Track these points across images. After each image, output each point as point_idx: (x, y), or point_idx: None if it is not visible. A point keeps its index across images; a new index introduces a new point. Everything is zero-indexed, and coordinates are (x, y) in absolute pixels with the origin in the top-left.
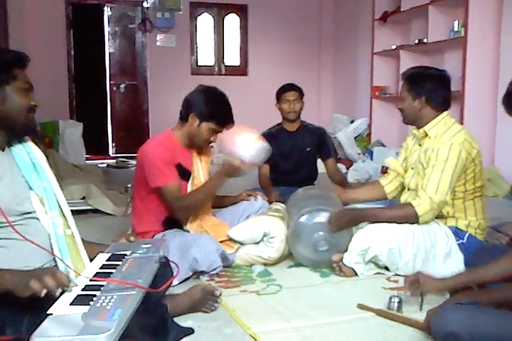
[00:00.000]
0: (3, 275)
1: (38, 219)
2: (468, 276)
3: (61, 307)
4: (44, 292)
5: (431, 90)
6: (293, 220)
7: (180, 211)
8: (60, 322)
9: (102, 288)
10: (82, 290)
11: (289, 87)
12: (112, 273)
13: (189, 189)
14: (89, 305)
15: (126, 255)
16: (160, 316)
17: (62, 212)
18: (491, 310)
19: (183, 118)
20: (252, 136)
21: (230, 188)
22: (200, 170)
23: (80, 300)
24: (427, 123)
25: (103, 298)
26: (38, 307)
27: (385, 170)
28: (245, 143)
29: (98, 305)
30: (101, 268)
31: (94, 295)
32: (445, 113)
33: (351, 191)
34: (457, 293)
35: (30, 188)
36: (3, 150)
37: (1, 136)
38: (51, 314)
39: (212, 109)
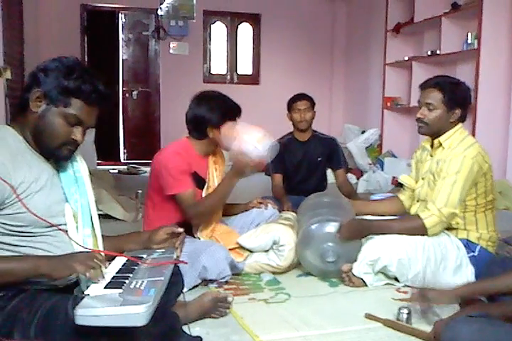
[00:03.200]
0: (37, 261)
1: (65, 231)
2: (479, 286)
3: (96, 289)
4: (88, 274)
5: (466, 101)
6: (303, 228)
7: (195, 217)
8: (100, 299)
9: (130, 276)
10: (112, 279)
11: (300, 97)
12: (134, 269)
13: None
14: (121, 288)
15: (143, 257)
16: (170, 324)
17: (94, 231)
18: (501, 324)
19: (201, 135)
20: (257, 133)
21: (242, 196)
22: (215, 179)
23: (112, 285)
24: (443, 134)
25: (134, 282)
26: (47, 312)
27: (395, 181)
28: (252, 140)
29: (131, 286)
30: (123, 265)
31: (124, 283)
32: (460, 124)
33: (369, 204)
34: (467, 305)
35: (67, 200)
36: (48, 160)
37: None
38: (88, 294)
39: (220, 111)
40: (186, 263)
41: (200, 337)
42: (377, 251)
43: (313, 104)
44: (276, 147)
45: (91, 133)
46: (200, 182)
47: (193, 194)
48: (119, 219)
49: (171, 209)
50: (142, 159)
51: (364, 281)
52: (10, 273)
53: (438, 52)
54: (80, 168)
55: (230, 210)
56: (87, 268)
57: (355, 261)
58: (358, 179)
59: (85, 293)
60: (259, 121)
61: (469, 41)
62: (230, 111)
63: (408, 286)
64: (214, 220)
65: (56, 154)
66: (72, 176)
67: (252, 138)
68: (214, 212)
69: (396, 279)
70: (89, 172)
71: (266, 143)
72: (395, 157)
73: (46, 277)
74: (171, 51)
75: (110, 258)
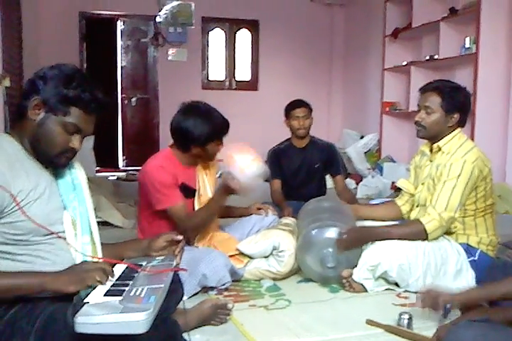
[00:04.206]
0: (42, 278)
1: (64, 239)
2: (481, 291)
3: (95, 297)
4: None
5: (465, 106)
6: (303, 233)
7: (189, 230)
8: (100, 306)
9: (130, 283)
10: (112, 286)
11: (298, 104)
12: (134, 276)
13: (196, 206)
14: (121, 295)
15: (142, 264)
16: (170, 332)
17: (93, 238)
18: (504, 328)
19: (185, 150)
20: (249, 158)
21: (242, 201)
22: (207, 186)
23: (112, 292)
24: (441, 139)
25: (134, 289)
26: (46, 320)
27: (394, 186)
28: (242, 167)
29: (131, 294)
30: (122, 272)
31: (124, 290)
32: (459, 129)
33: (366, 208)
34: (469, 310)
35: (65, 208)
36: (46, 167)
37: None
38: (88, 302)
39: (208, 132)
40: (186, 270)
41: None
42: (378, 256)
43: (311, 110)
44: (265, 172)
45: (90, 140)
46: (189, 192)
47: (184, 207)
48: (118, 226)
49: (161, 221)
50: (141, 166)
51: (364, 287)
52: (17, 288)
53: (436, 56)
54: (78, 175)
55: (228, 212)
56: (96, 280)
57: (356, 266)
58: (357, 184)
59: (85, 300)
60: (258, 127)
61: (467, 46)
62: (218, 131)
63: (408, 291)
64: (211, 230)
65: (54, 162)
66: (70, 183)
67: (242, 163)
68: (207, 225)
69: (396, 284)
70: (88, 179)
71: (254, 169)
72: (394, 162)
73: (55, 292)
74: (170, 58)
75: (109, 266)
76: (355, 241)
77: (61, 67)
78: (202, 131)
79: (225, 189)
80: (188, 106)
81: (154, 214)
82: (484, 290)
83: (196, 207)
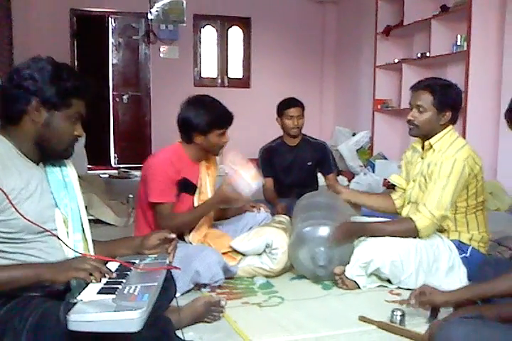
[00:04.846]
0: (38, 268)
1: (57, 236)
2: (475, 290)
3: (89, 295)
4: (92, 278)
5: (457, 104)
6: (296, 230)
7: (164, 229)
8: (93, 304)
9: (123, 281)
10: (105, 284)
11: (293, 103)
12: (127, 274)
13: (195, 203)
14: (115, 293)
15: (135, 262)
16: (163, 329)
17: (85, 236)
18: (496, 325)
19: (188, 140)
20: (251, 173)
21: None
22: (208, 185)
23: (105, 290)
24: (432, 136)
25: (127, 287)
26: (38, 318)
27: (386, 183)
28: (245, 180)
29: (125, 292)
30: (115, 270)
31: (117, 288)
32: (450, 126)
33: (363, 195)
34: (461, 306)
35: (56, 206)
36: (37, 165)
37: (35, 153)
38: (81, 300)
39: (208, 119)
40: (179, 268)
41: None
42: (370, 253)
43: (304, 109)
44: (260, 186)
45: (81, 138)
46: (190, 187)
47: (171, 206)
48: (110, 224)
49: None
50: (133, 163)
51: (357, 283)
52: (13, 281)
53: (428, 54)
54: (69, 172)
55: (222, 214)
56: (88, 273)
57: (348, 263)
58: (349, 181)
59: (78, 298)
60: (250, 124)
61: (459, 43)
62: (219, 120)
63: (401, 288)
64: (205, 225)
65: (64, 155)
66: (61, 181)
67: (248, 175)
68: (184, 229)
69: (389, 281)
70: (79, 176)
71: (258, 182)
72: (385, 159)
73: (50, 282)
74: (162, 55)
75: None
76: (347, 233)
77: (37, 63)
78: (203, 118)
79: (223, 199)
80: (192, 98)
81: (152, 208)
82: (477, 290)
83: (196, 204)
